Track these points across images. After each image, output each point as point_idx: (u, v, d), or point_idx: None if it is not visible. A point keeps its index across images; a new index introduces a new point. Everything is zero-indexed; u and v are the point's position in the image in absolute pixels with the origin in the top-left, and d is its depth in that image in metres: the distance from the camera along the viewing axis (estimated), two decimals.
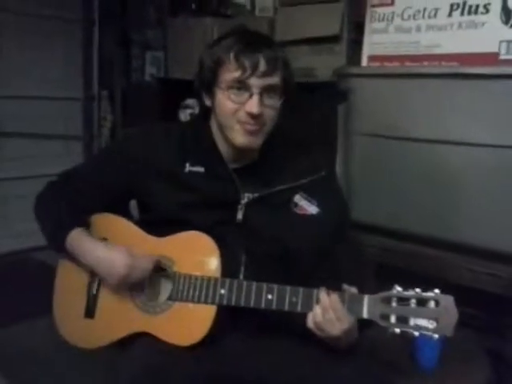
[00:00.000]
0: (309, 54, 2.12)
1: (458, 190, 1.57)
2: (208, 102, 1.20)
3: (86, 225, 1.21)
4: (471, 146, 1.53)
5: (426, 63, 1.66)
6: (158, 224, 1.19)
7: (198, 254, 1.14)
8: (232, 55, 1.11)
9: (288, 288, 1.07)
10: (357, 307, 1.03)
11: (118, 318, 1.18)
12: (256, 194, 1.18)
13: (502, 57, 1.50)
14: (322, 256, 1.19)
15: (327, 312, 1.04)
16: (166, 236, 1.18)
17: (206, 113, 1.23)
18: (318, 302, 1.05)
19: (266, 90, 1.12)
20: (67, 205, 1.22)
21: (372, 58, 1.78)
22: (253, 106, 1.10)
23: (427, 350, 1.34)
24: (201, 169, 1.19)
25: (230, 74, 1.11)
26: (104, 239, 1.21)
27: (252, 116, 1.11)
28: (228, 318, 1.12)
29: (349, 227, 1.29)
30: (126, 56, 2.99)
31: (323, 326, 1.05)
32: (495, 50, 1.51)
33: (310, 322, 1.06)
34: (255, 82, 1.11)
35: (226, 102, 1.13)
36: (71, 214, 1.21)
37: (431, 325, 0.98)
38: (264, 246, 1.17)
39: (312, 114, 1.98)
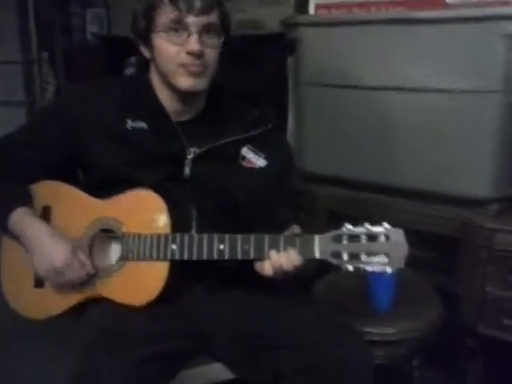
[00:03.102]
0: (256, 6, 2.06)
1: (407, 136, 1.57)
2: (147, 53, 1.15)
3: (29, 200, 1.16)
4: (421, 91, 1.52)
5: (373, 9, 1.63)
6: (103, 186, 1.16)
7: (145, 212, 1.11)
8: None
9: (239, 236, 1.06)
10: (308, 248, 1.03)
11: (68, 289, 1.14)
12: (203, 148, 1.15)
13: (449, 0, 1.49)
14: (267, 208, 1.19)
15: (280, 257, 1.03)
16: (112, 197, 1.14)
17: (146, 66, 1.18)
18: (270, 247, 1.04)
19: (204, 29, 1.10)
20: (5, 179, 1.18)
21: (319, 6, 1.73)
22: (193, 44, 1.08)
23: (382, 291, 1.36)
24: (143, 124, 1.16)
25: (166, 16, 1.09)
26: (47, 207, 1.17)
27: (194, 55, 1.09)
28: (184, 274, 1.10)
29: (293, 180, 1.31)
30: (66, 14, 2.85)
31: (276, 272, 1.04)
32: None
33: (263, 269, 1.06)
34: (192, 21, 1.08)
35: (165, 45, 1.10)
36: (11, 193, 1.16)
37: (383, 259, 0.98)
38: (213, 201, 1.16)
39: (261, 66, 1.94)
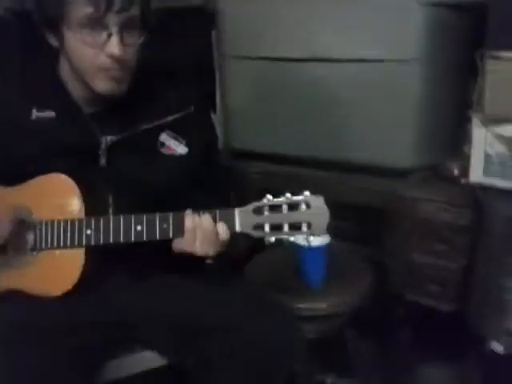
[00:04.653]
0: None
1: (331, 107, 1.58)
2: (54, 42, 1.06)
3: None
4: (341, 61, 1.53)
5: None
6: (13, 176, 1.08)
7: (56, 196, 1.05)
8: None
9: (157, 215, 1.02)
10: (228, 221, 1.00)
11: None
12: (117, 137, 1.09)
13: None
14: (187, 195, 1.14)
15: (199, 232, 1.00)
16: (22, 183, 1.07)
17: (51, 51, 1.09)
18: (188, 224, 1.01)
19: (124, 27, 1.01)
20: None
21: None
22: (113, 46, 0.99)
23: (312, 265, 1.35)
24: (51, 113, 1.09)
25: (81, 10, 0.98)
26: None
27: (114, 59, 1.00)
28: (104, 260, 1.05)
29: (217, 164, 1.27)
30: None
31: (197, 248, 1.01)
32: None
33: (181, 246, 1.02)
34: (111, 19, 0.99)
35: (81, 46, 1.01)
36: None
37: (305, 227, 0.97)
38: (131, 189, 1.10)
39: (184, 41, 1.88)
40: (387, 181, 1.54)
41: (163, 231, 1.01)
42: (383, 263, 1.53)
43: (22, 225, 1.08)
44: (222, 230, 1.00)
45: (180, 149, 1.15)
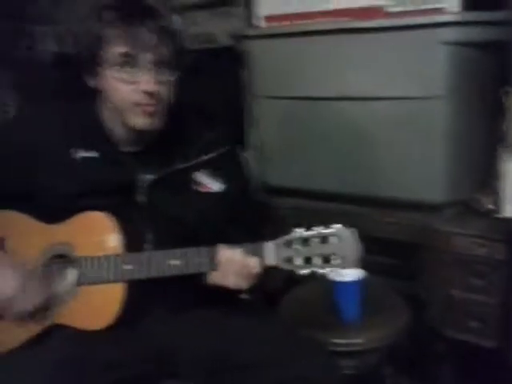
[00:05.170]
0: (208, 19, 2.05)
1: (363, 144, 1.60)
2: (92, 83, 1.13)
3: None
4: (370, 100, 1.56)
5: (318, 20, 1.65)
6: (56, 214, 1.13)
7: (96, 234, 1.09)
8: (114, 30, 1.05)
9: (192, 249, 1.05)
10: (260, 255, 1.02)
11: (23, 321, 1.10)
12: (155, 175, 1.13)
13: (389, 10, 1.53)
14: (223, 232, 1.17)
15: (231, 266, 1.02)
16: (63, 221, 1.12)
17: (91, 92, 1.16)
18: (221, 258, 1.03)
19: (157, 65, 1.07)
20: None
21: (267, 19, 1.75)
22: (147, 83, 1.05)
23: (347, 300, 1.35)
24: (92, 153, 1.13)
25: (116, 49, 1.05)
26: (1, 239, 1.14)
27: (149, 95, 1.06)
28: (144, 295, 1.08)
29: (250, 202, 1.30)
30: (15, 32, 2.64)
31: (230, 281, 1.03)
32: (381, 3, 1.54)
33: (215, 279, 1.04)
34: (145, 57, 1.05)
35: (117, 84, 1.07)
36: None
37: (335, 260, 0.98)
38: (168, 226, 1.13)
39: (215, 81, 1.95)
40: (420, 215, 1.53)
41: (198, 265, 1.04)
42: (419, 298, 1.51)
43: (66, 261, 1.12)
44: (254, 263, 1.02)
45: (215, 186, 1.18)
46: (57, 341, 1.08)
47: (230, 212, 1.20)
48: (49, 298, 1.09)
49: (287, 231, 1.02)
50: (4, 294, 1.06)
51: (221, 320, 1.13)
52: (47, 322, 1.09)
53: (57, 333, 1.09)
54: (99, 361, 1.02)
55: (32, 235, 1.14)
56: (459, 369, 1.53)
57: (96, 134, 1.15)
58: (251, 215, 1.28)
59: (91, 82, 1.12)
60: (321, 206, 1.69)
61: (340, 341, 1.29)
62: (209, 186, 1.17)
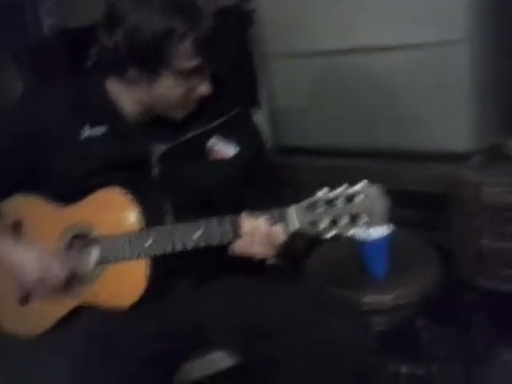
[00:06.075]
0: None
1: (383, 96, 1.53)
2: (134, 74, 1.06)
3: None
4: (387, 49, 1.48)
5: None
6: (70, 194, 1.11)
7: (113, 211, 1.07)
8: (190, 43, 1.02)
9: (214, 220, 1.01)
10: (285, 222, 0.99)
11: (53, 298, 1.11)
12: (167, 145, 1.11)
13: None
14: (242, 196, 1.16)
15: (256, 235, 0.99)
16: (80, 201, 1.10)
17: (104, 67, 1.11)
18: (244, 228, 1.00)
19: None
20: None
21: None
22: (206, 88, 1.08)
23: (375, 256, 1.32)
24: (100, 130, 1.11)
25: (189, 60, 1.04)
26: (18, 222, 1.14)
27: (200, 96, 1.09)
28: (169, 269, 1.07)
29: (266, 163, 1.27)
30: (17, 8, 2.57)
31: (255, 251, 1.01)
32: None
33: (239, 249, 1.02)
34: (210, 67, 1.08)
35: (175, 87, 1.06)
36: None
37: (363, 219, 0.94)
38: (186, 196, 1.11)
39: (224, 41, 1.88)
40: (448, 166, 1.47)
41: (221, 236, 1.01)
42: (449, 249, 1.48)
43: (87, 241, 1.10)
44: (279, 230, 0.99)
45: (230, 150, 1.16)
46: (85, 321, 1.08)
47: (247, 176, 1.18)
48: (74, 278, 1.08)
49: (310, 193, 0.98)
50: (30, 276, 1.06)
51: (248, 288, 1.12)
52: (74, 303, 1.10)
53: (84, 313, 1.09)
54: (129, 338, 1.01)
55: (49, 217, 1.13)
56: (492, 318, 1.51)
57: (104, 110, 1.12)
58: (268, 178, 1.24)
59: (132, 72, 1.06)
60: (342, 163, 1.63)
61: (370, 299, 1.27)
62: (223, 151, 1.15)
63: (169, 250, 1.03)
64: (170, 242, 1.03)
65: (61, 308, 1.10)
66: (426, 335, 1.41)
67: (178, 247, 1.02)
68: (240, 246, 1.01)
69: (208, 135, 1.15)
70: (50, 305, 1.11)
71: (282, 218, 0.99)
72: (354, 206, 0.95)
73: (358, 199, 0.94)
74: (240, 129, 1.18)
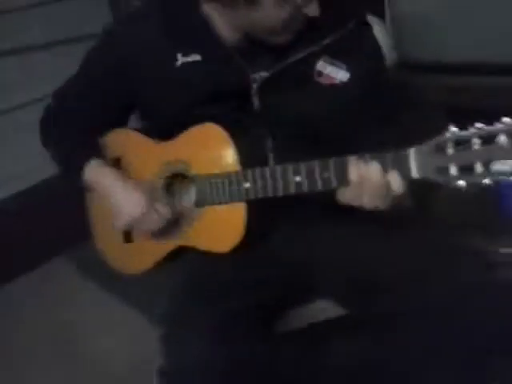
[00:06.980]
0: None
1: None
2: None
3: (97, 153, 1.10)
4: None
5: None
6: (165, 128, 1.06)
7: (211, 149, 1.00)
8: None
9: (317, 163, 0.89)
10: (403, 168, 0.83)
11: (154, 238, 1.08)
12: (268, 72, 0.99)
13: None
14: (356, 129, 1.02)
15: (366, 185, 0.85)
16: (177, 137, 1.04)
17: None
18: (352, 175, 0.87)
19: None
20: (71, 133, 1.13)
21: None
22: (314, 9, 0.94)
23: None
24: (196, 57, 1.01)
25: None
26: (118, 157, 1.12)
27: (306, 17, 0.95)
28: (271, 213, 0.99)
29: (388, 87, 1.10)
30: None
31: (364, 202, 0.88)
32: None
33: (346, 198, 0.89)
34: None
35: (277, 11, 0.93)
36: (82, 146, 1.11)
37: (506, 165, 0.75)
38: (290, 129, 1.01)
39: None
40: None
41: (325, 181, 0.89)
42: None
43: (184, 180, 1.06)
44: (395, 180, 0.84)
45: (342, 74, 1.01)
46: (183, 265, 1.07)
47: (362, 104, 1.03)
48: (173, 218, 1.04)
49: (437, 130, 0.80)
50: (132, 214, 1.04)
51: (354, 233, 1.01)
52: (174, 245, 1.07)
53: (182, 256, 1.07)
54: (228, 283, 0.98)
55: (147, 154, 1.10)
56: None
57: (201, 35, 1.02)
58: (389, 104, 1.08)
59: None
60: (484, 81, 1.40)
61: (507, 250, 1.13)
62: (334, 74, 1.01)
63: (268, 193, 0.94)
64: (268, 185, 0.94)
65: (161, 248, 1.08)
66: None
67: (277, 192, 0.93)
68: (347, 196, 0.89)
69: (315, 58, 1.01)
70: (150, 244, 1.09)
71: (401, 163, 0.83)
72: (493, 149, 0.75)
73: (499, 140, 0.75)
74: (355, 47, 1.02)
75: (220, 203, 0.98)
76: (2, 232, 1.78)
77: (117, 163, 1.13)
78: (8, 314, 1.74)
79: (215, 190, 0.98)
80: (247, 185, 0.95)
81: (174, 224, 1.05)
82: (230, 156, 0.97)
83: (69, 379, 1.50)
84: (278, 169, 0.93)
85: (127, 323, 1.62)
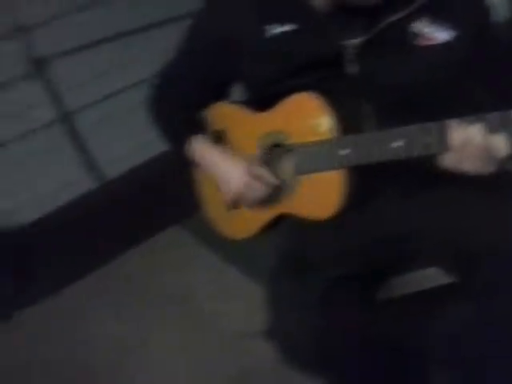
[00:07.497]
0: None
1: None
2: None
3: (203, 127, 1.15)
4: None
5: None
6: (262, 98, 1.07)
7: (307, 118, 0.99)
8: None
9: (417, 128, 0.86)
10: (510, 130, 0.78)
11: (257, 207, 1.12)
12: (363, 38, 0.95)
13: None
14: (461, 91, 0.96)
15: (468, 149, 0.81)
16: (273, 108, 1.05)
17: None
18: (454, 139, 0.82)
19: None
20: (175, 109, 1.18)
21: None
22: None
23: None
24: (287, 26, 0.99)
25: None
26: (219, 131, 1.16)
27: None
28: (373, 179, 0.98)
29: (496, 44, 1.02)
30: None
31: (466, 168, 0.84)
32: None
33: (447, 163, 0.85)
34: None
35: None
36: (185, 122, 1.16)
37: None
38: (388, 95, 0.97)
39: None
40: None
41: (425, 147, 0.85)
42: None
43: (282, 150, 1.07)
44: (500, 143, 0.79)
45: (442, 35, 0.94)
46: (283, 232, 1.08)
47: (466, 64, 0.97)
48: (274, 188, 1.07)
49: None
50: (232, 189, 1.08)
51: (460, 200, 0.97)
52: (275, 212, 1.09)
53: (284, 223, 1.09)
54: (327, 255, 0.99)
55: (246, 125, 1.12)
56: None
57: (293, 5, 1.00)
58: (496, 64, 1.01)
59: None
60: None
61: None
62: (434, 34, 0.95)
63: (365, 161, 0.92)
64: (366, 152, 0.92)
65: (264, 216, 1.12)
66: None
67: (376, 158, 0.91)
68: (449, 161, 0.85)
69: (413, 18, 0.95)
70: (253, 212, 1.13)
71: (506, 126, 0.77)
72: None
73: None
74: (454, 4, 0.95)
75: (319, 171, 0.98)
76: (123, 203, 1.93)
77: (219, 136, 1.17)
78: (138, 275, 1.89)
79: (314, 157, 0.98)
80: (346, 151, 0.94)
81: (274, 193, 1.07)
82: (327, 123, 0.96)
83: (186, 337, 1.61)
84: (376, 134, 0.90)
85: (242, 288, 1.69)
